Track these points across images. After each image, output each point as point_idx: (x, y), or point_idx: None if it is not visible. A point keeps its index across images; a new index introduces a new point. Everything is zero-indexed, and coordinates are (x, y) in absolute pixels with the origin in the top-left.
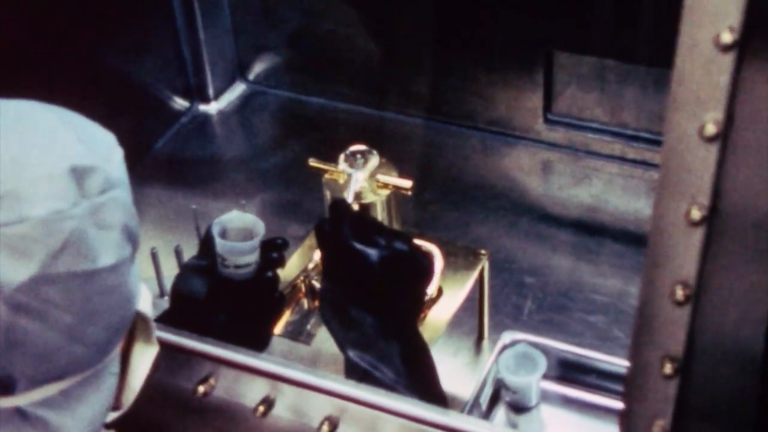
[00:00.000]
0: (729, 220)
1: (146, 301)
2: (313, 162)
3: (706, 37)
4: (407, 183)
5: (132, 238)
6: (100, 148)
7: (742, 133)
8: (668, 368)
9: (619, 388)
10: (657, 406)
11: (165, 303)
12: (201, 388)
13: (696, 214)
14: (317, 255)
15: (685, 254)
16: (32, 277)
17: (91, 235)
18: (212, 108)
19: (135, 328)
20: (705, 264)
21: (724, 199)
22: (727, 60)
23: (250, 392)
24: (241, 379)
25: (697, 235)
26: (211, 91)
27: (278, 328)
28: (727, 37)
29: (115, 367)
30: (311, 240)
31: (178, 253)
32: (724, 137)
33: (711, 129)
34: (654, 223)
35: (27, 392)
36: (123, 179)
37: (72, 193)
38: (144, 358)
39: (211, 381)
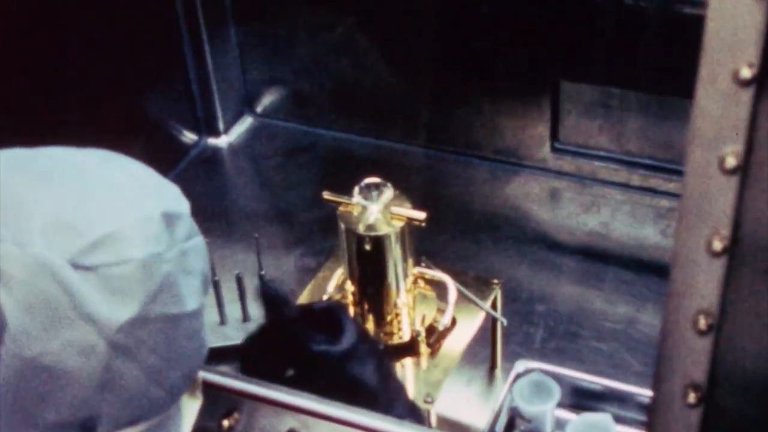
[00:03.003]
0: (750, 250)
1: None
2: (327, 195)
3: (725, 73)
4: (421, 215)
5: (207, 287)
6: (180, 196)
7: (762, 165)
8: (692, 397)
9: (633, 414)
10: None
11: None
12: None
13: (717, 244)
14: (331, 287)
15: (707, 284)
16: (132, 318)
17: (180, 279)
18: (222, 141)
19: None
20: (727, 293)
21: (744, 229)
22: (746, 94)
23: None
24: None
25: (719, 265)
26: (220, 125)
27: None
28: (746, 73)
29: (178, 414)
30: (324, 272)
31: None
32: (744, 169)
33: (731, 161)
34: (675, 253)
35: None
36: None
37: (165, 237)
38: (188, 411)
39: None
